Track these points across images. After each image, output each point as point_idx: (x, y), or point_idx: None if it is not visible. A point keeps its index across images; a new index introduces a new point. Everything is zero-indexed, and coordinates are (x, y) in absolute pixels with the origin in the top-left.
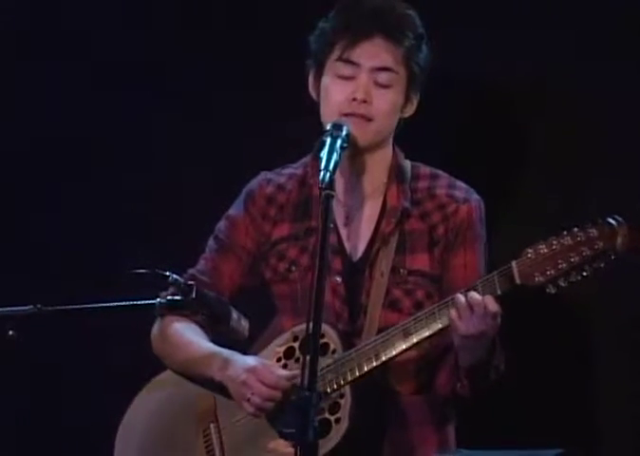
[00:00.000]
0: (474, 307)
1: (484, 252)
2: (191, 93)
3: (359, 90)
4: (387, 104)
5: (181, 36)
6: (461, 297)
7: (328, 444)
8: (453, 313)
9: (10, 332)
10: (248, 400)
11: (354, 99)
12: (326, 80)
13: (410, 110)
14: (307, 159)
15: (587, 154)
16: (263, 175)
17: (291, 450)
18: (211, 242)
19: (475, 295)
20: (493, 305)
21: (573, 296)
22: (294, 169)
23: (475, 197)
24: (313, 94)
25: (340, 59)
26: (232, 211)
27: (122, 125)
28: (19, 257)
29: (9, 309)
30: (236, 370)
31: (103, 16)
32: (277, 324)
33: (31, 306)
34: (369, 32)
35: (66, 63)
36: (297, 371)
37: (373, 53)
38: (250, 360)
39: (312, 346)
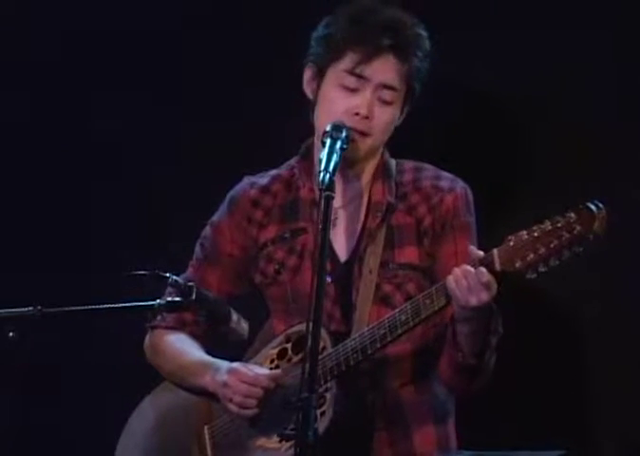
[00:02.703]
0: (468, 278)
1: (474, 239)
2: (191, 93)
3: (363, 106)
4: (387, 122)
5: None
6: (456, 270)
7: None
8: (452, 284)
9: (11, 334)
10: (231, 400)
11: (357, 113)
12: (327, 87)
13: (401, 120)
14: (292, 161)
15: (585, 152)
16: (246, 179)
17: (278, 445)
18: (197, 249)
19: (467, 267)
20: (484, 275)
21: (575, 296)
22: (279, 171)
23: (460, 185)
24: (308, 92)
25: (350, 72)
26: (215, 217)
27: (123, 126)
28: (19, 258)
29: (9, 310)
30: (221, 374)
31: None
32: (270, 327)
33: (32, 307)
34: (382, 49)
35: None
36: (278, 371)
37: (383, 71)
38: (232, 365)
39: (312, 347)
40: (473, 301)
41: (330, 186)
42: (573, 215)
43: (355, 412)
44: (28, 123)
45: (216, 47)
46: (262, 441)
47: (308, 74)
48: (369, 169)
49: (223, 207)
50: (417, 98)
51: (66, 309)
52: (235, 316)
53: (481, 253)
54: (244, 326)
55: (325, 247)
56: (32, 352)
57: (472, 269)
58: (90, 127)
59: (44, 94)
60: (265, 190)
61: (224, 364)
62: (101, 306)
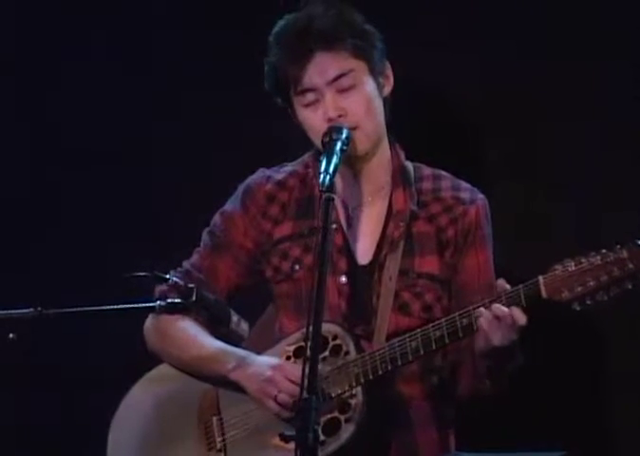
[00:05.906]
0: (501, 319)
1: (491, 250)
2: (189, 93)
3: (329, 110)
4: (362, 105)
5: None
6: (485, 311)
7: (336, 442)
8: (484, 323)
9: (11, 335)
10: (274, 398)
11: (329, 119)
12: (298, 112)
13: (389, 84)
14: (306, 157)
15: (582, 155)
16: (261, 172)
17: (293, 446)
18: (206, 238)
19: (501, 307)
20: (520, 316)
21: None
22: (294, 166)
23: (480, 196)
24: (299, 124)
25: (297, 92)
26: (228, 207)
27: (123, 126)
28: (20, 260)
29: (9, 311)
30: (260, 367)
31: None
32: (275, 322)
33: (32, 309)
34: (308, 54)
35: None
36: None
37: (321, 70)
38: (271, 359)
39: (312, 348)
40: (498, 340)
41: (330, 187)
42: (624, 252)
43: (375, 419)
44: (28, 123)
45: (217, 47)
46: (277, 440)
47: (289, 111)
48: (383, 169)
49: (237, 198)
50: (386, 55)
51: (66, 310)
52: (235, 318)
53: (508, 286)
54: (244, 327)
55: (325, 249)
56: (32, 352)
57: (506, 310)
58: (90, 127)
59: (43, 97)
60: (281, 185)
61: (253, 356)
62: (101, 307)
